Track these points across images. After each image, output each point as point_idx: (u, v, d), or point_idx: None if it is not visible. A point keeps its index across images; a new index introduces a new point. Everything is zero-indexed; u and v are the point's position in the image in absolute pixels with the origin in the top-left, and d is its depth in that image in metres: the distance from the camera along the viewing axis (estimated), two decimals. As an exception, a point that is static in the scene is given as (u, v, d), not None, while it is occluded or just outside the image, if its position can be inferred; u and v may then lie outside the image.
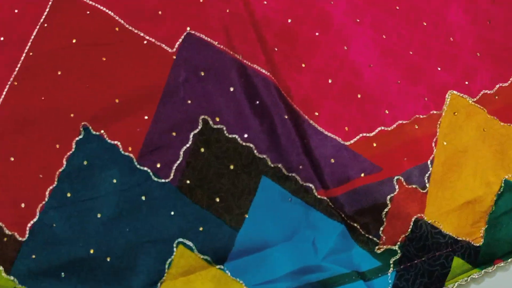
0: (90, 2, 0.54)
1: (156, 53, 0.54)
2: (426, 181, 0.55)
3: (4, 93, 0.53)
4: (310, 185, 0.53)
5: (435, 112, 0.57)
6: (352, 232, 0.54)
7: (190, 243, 0.52)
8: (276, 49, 0.55)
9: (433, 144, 0.56)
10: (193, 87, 0.54)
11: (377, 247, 0.54)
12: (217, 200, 0.53)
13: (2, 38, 0.54)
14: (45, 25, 0.54)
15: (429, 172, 0.55)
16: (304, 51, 0.56)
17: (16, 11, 0.54)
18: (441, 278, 0.54)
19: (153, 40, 0.54)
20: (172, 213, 0.52)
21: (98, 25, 0.54)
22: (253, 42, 0.55)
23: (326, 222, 0.54)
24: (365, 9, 0.58)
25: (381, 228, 0.54)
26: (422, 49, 0.58)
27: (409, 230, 0.54)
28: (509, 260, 0.55)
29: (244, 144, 0.53)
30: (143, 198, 0.52)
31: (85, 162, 0.53)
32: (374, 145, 0.54)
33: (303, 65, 0.55)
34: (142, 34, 0.54)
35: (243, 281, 0.52)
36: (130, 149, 0.53)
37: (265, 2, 0.55)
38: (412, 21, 0.58)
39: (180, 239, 0.52)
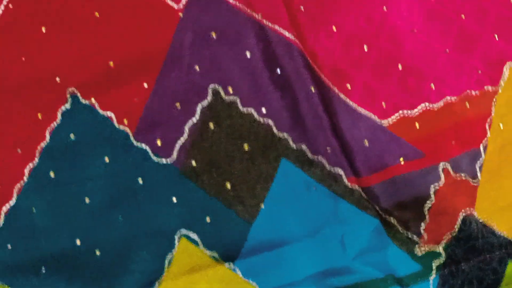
0: None
1: (160, 9, 0.51)
2: (478, 170, 0.53)
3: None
4: (339, 171, 0.50)
5: (490, 88, 0.55)
6: (389, 229, 0.52)
7: (194, 236, 0.50)
8: (302, 8, 0.51)
9: (487, 126, 0.54)
10: (202, 51, 0.51)
11: (417, 247, 0.51)
12: (228, 186, 0.50)
13: (-25, -13, 0.50)
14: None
15: (481, 160, 0.53)
16: (335, 12, 0.52)
17: None
18: (492, 286, 0.53)
19: (155, -6, 0.50)
20: (174, 199, 0.50)
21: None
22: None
23: (358, 216, 0.51)
24: (410, -38, 0.54)
25: (423, 225, 0.52)
26: (476, 13, 0.55)
27: (456, 228, 0.52)
28: None
29: (261, 120, 0.50)
30: (140, 181, 0.50)
31: (72, 136, 0.49)
32: (417, 125, 0.52)
33: (334, 29, 0.52)
34: (143, -14, 0.50)
35: (256, 283, 0.50)
36: (125, 122, 0.50)
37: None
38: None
39: (183, 231, 0.50)
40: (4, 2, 0.51)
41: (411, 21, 0.53)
